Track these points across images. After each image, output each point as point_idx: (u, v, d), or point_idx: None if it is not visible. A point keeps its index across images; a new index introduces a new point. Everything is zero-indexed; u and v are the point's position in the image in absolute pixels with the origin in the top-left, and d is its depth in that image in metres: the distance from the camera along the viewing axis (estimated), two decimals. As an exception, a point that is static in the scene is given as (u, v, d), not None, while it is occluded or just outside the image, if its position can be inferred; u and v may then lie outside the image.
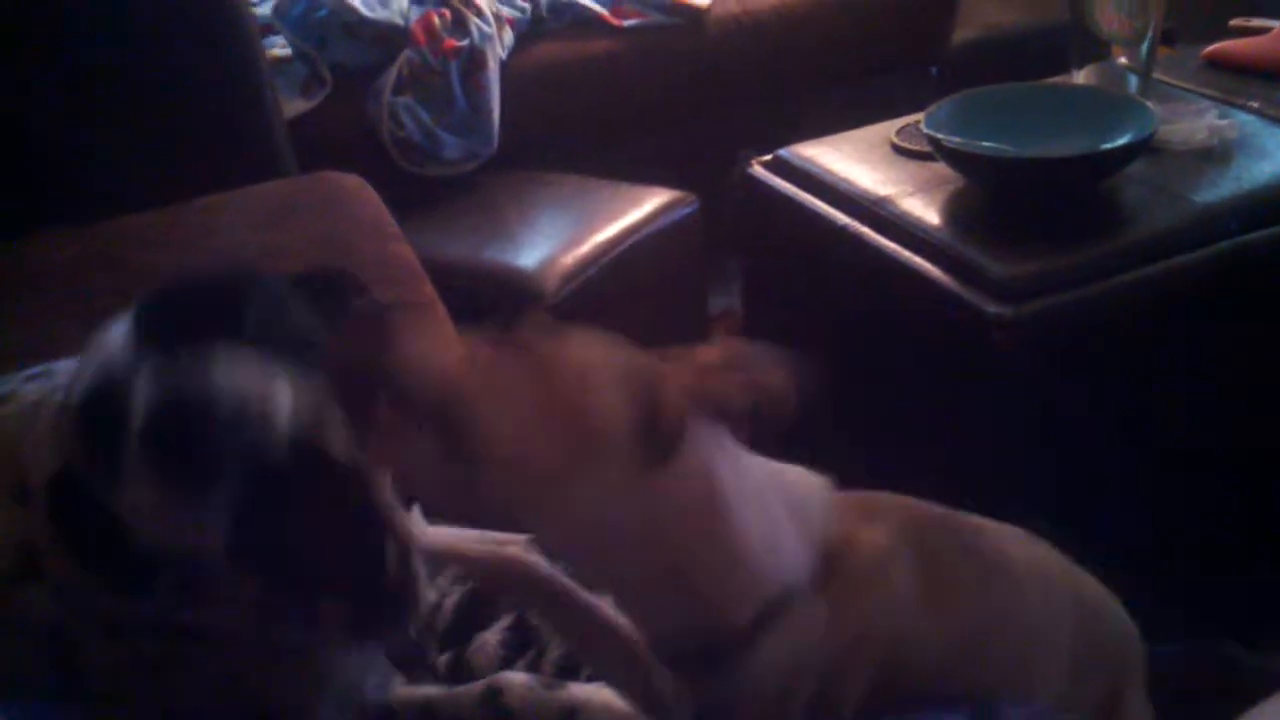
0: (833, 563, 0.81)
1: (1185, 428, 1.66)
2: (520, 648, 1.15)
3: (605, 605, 0.92)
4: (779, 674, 0.81)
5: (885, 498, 0.90)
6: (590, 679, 1.08)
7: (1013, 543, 0.92)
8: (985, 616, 0.87)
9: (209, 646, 0.91)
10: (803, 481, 0.85)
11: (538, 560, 0.93)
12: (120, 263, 1.79)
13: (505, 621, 1.18)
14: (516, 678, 1.05)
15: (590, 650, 0.97)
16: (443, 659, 1.16)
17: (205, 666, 0.92)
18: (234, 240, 1.80)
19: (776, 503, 0.80)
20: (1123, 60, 1.97)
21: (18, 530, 0.89)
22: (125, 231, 1.87)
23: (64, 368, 0.98)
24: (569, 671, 1.10)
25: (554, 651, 1.13)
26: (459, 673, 1.14)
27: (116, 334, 0.86)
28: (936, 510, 0.90)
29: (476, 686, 1.05)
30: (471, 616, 1.20)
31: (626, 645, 0.91)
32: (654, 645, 0.85)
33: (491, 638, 1.16)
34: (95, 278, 1.75)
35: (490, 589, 0.98)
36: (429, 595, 1.15)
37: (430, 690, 1.08)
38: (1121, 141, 1.68)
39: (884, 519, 0.85)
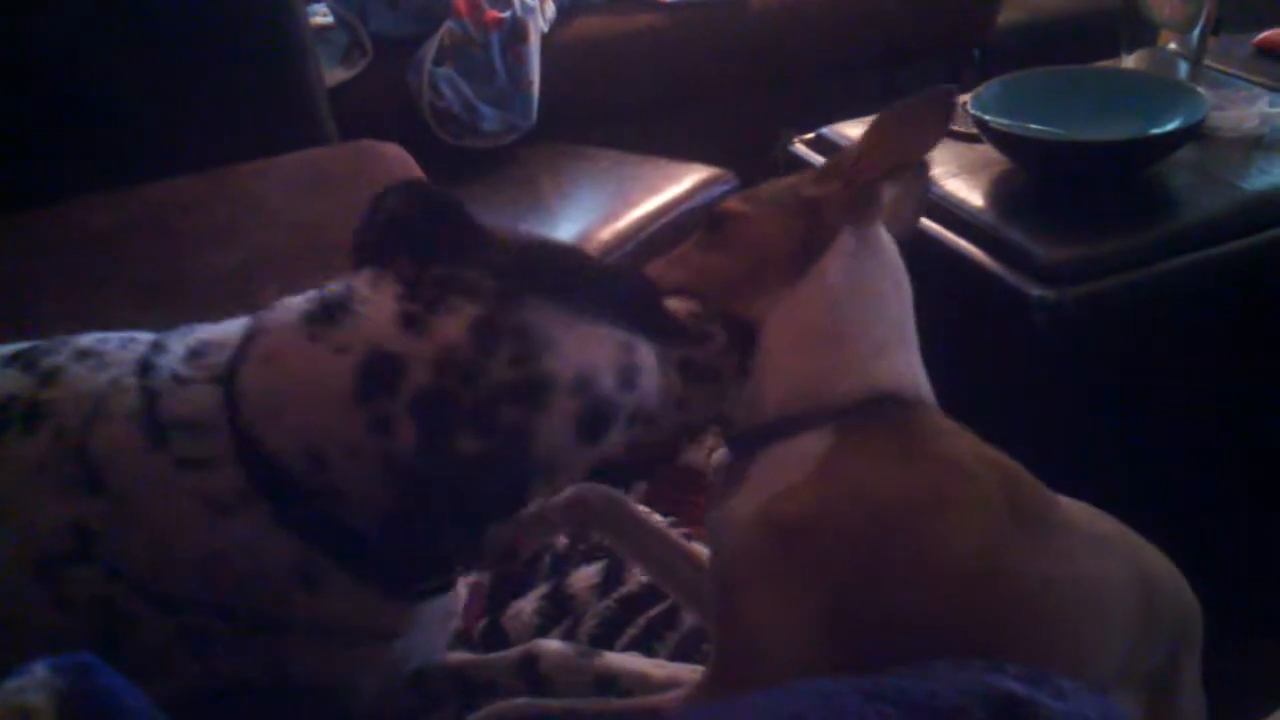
0: (876, 420, 0.88)
1: (1228, 414, 1.65)
2: (556, 617, 1.15)
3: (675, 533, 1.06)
4: (755, 512, 0.85)
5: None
6: (625, 649, 1.09)
7: (1077, 510, 0.92)
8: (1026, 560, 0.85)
9: (260, 623, 0.91)
10: (899, 346, 0.94)
11: (612, 490, 1.05)
12: (161, 229, 1.78)
13: (541, 590, 1.18)
14: (552, 645, 1.05)
15: (664, 570, 1.06)
16: (478, 625, 1.16)
17: (255, 643, 0.92)
18: (274, 207, 1.80)
19: (853, 337, 0.91)
20: (1173, 46, 1.95)
21: (73, 514, 0.90)
22: (165, 197, 1.86)
23: (115, 352, 0.96)
24: (603, 641, 1.11)
25: (589, 621, 1.13)
26: (494, 639, 1.14)
27: None
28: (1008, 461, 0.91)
29: (513, 653, 1.05)
30: (507, 584, 1.20)
31: (698, 564, 1.01)
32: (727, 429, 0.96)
33: (527, 606, 1.16)
34: (135, 244, 1.74)
35: (576, 518, 1.05)
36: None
37: (463, 656, 1.08)
38: (1170, 127, 1.66)
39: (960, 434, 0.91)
